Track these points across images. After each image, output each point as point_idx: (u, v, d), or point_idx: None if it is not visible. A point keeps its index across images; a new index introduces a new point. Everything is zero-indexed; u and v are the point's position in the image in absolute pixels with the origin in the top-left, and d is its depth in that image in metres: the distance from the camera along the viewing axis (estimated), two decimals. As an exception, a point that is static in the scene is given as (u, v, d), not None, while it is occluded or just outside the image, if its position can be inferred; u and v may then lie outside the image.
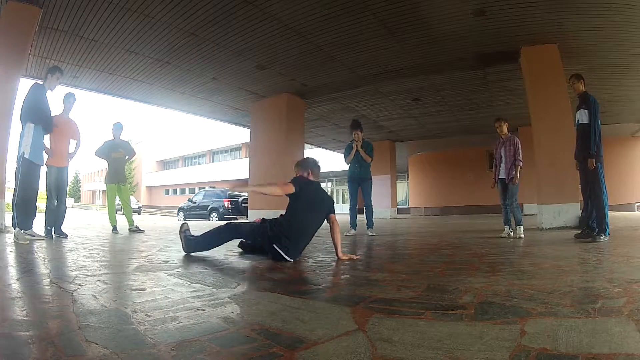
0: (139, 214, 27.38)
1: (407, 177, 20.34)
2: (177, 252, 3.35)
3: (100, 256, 3.08)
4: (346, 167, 5.77)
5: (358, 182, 5.65)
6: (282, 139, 8.67)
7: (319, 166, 3.07)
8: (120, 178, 6.12)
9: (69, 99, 4.78)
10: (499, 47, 6.25)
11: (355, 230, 5.46)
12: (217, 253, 3.34)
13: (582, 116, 4.13)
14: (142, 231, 5.93)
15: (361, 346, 1.06)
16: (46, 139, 4.46)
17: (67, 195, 4.91)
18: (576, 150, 4.32)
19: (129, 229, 5.87)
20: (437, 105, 9.66)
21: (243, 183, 2.65)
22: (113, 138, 6.07)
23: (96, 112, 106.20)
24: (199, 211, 15.24)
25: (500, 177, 4.86)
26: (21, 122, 4.10)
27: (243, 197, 14.34)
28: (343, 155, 5.88)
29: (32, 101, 4.10)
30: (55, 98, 5.28)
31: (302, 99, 8.90)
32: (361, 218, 6.06)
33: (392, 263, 2.76)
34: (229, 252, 3.45)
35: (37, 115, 4.09)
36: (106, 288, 1.84)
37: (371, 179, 5.65)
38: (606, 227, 3.88)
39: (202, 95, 8.77)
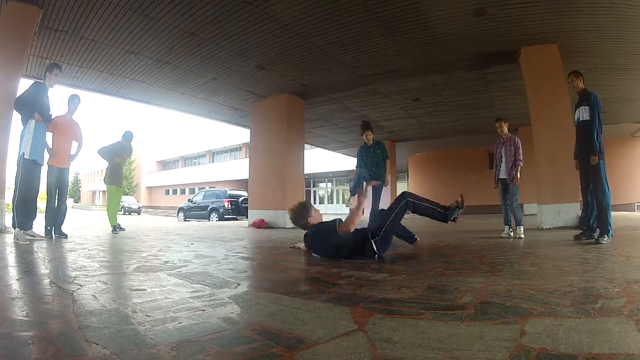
0: (138, 214, 27.41)
1: (407, 177, 20.30)
2: (177, 252, 3.35)
3: (100, 256, 3.08)
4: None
5: None
6: (282, 139, 8.66)
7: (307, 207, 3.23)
8: (120, 181, 6.30)
9: (73, 100, 4.78)
10: (499, 47, 6.24)
11: None
12: (217, 253, 3.34)
13: (583, 113, 3.98)
14: (123, 229, 6.06)
15: (361, 346, 1.06)
16: (48, 139, 4.46)
17: (67, 196, 4.94)
18: (576, 150, 4.17)
19: (112, 228, 5.95)
20: (437, 105, 9.65)
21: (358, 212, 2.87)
22: (122, 144, 6.24)
23: (96, 112, 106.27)
24: (199, 211, 15.25)
25: (500, 177, 4.86)
26: (22, 122, 4.10)
27: (243, 198, 14.33)
28: (356, 158, 5.76)
29: (25, 95, 4.09)
30: (59, 100, 5.29)
31: (302, 99, 8.89)
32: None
33: (392, 263, 2.76)
34: (229, 252, 3.46)
35: (31, 107, 4.05)
36: (106, 288, 1.84)
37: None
38: (609, 228, 3.77)
39: (202, 96, 8.76)
